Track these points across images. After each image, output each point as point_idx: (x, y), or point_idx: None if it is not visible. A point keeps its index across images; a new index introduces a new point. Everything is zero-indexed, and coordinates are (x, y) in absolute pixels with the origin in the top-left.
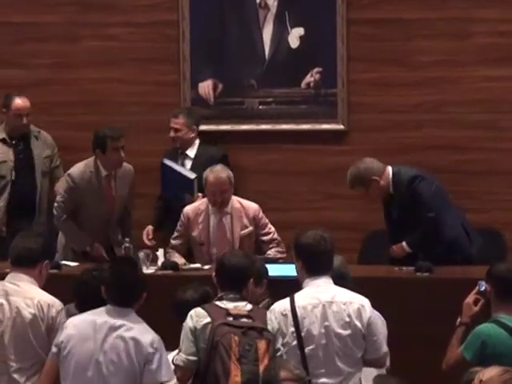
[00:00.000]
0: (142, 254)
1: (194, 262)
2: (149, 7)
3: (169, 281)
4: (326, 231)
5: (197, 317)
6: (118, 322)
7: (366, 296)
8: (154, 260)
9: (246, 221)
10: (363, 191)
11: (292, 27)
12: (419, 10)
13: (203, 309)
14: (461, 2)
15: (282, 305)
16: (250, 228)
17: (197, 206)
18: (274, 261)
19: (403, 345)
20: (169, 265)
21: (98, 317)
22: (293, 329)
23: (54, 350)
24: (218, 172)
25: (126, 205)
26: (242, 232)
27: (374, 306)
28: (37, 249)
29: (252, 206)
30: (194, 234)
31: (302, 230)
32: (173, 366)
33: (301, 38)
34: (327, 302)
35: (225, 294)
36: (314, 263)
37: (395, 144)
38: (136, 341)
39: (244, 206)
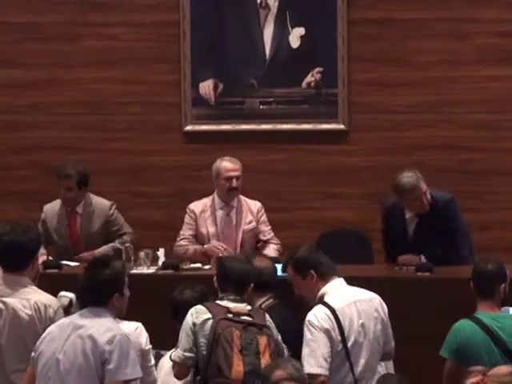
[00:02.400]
0: (142, 254)
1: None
2: (149, 7)
3: (169, 280)
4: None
5: (197, 313)
6: (83, 321)
7: None
8: (155, 260)
9: (250, 217)
10: (413, 200)
11: (293, 27)
12: (419, 11)
13: (204, 306)
14: (460, 2)
15: (320, 312)
16: (254, 224)
17: (202, 202)
18: (277, 261)
19: (403, 344)
20: (169, 265)
21: (70, 318)
22: (338, 331)
23: (32, 354)
24: (231, 159)
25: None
26: (246, 227)
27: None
28: (30, 246)
29: (256, 203)
30: (202, 230)
31: (292, 251)
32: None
33: (301, 37)
34: (357, 300)
35: (226, 295)
36: (320, 269)
37: (396, 144)
38: (93, 339)
39: (248, 202)
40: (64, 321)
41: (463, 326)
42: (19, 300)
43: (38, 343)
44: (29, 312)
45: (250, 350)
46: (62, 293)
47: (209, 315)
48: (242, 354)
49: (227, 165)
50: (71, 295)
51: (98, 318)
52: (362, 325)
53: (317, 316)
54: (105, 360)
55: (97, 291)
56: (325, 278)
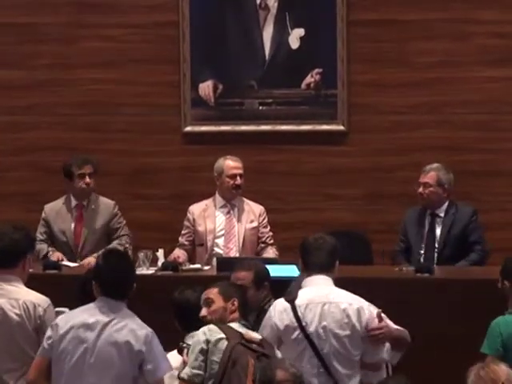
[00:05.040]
0: (141, 255)
1: (194, 263)
2: (149, 8)
3: (168, 281)
4: (329, 234)
5: (210, 331)
6: (109, 318)
7: (366, 296)
8: (154, 260)
9: (252, 216)
10: (424, 184)
11: (292, 28)
12: (419, 12)
13: (217, 326)
14: (460, 3)
15: (280, 304)
16: (256, 223)
17: (203, 203)
18: (275, 262)
19: None
20: (169, 265)
21: (89, 315)
22: (296, 324)
23: (45, 346)
24: (234, 157)
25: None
26: (248, 225)
27: (375, 306)
28: (18, 247)
29: (259, 206)
30: (201, 228)
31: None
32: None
33: (301, 38)
34: (326, 301)
35: (237, 319)
36: (308, 259)
37: (395, 145)
38: (127, 339)
39: (251, 204)
40: (86, 319)
41: (506, 321)
42: (8, 300)
43: (55, 337)
44: (18, 312)
45: None
46: (58, 308)
47: (223, 335)
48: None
49: (231, 162)
50: (66, 310)
51: (121, 314)
52: (324, 327)
53: (276, 307)
54: (142, 360)
55: (124, 282)
56: (309, 270)
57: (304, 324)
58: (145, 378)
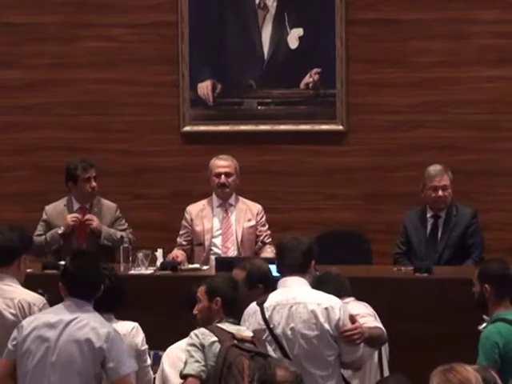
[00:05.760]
0: (140, 255)
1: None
2: (148, 8)
3: (167, 281)
4: (306, 235)
5: (202, 335)
6: (72, 317)
7: (365, 296)
8: (153, 260)
9: (249, 215)
10: (439, 188)
11: (291, 28)
12: (418, 11)
13: (207, 329)
14: (460, 2)
15: (252, 306)
16: (254, 222)
17: (200, 203)
18: (273, 261)
19: (402, 345)
20: (167, 265)
21: (54, 315)
22: (264, 326)
23: (10, 347)
24: (224, 156)
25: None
26: (246, 224)
27: (373, 306)
28: (12, 245)
29: (256, 205)
30: (198, 228)
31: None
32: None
33: (300, 38)
34: (294, 303)
35: (224, 319)
36: (281, 261)
37: (394, 144)
38: (88, 337)
39: (248, 203)
40: (50, 318)
41: (499, 329)
42: (3, 300)
43: (19, 338)
44: (13, 311)
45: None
46: None
47: (215, 338)
48: None
49: (218, 161)
50: None
51: (86, 314)
52: (292, 328)
53: (247, 310)
54: (104, 358)
55: (90, 283)
56: (282, 272)
57: (272, 326)
58: (108, 376)
